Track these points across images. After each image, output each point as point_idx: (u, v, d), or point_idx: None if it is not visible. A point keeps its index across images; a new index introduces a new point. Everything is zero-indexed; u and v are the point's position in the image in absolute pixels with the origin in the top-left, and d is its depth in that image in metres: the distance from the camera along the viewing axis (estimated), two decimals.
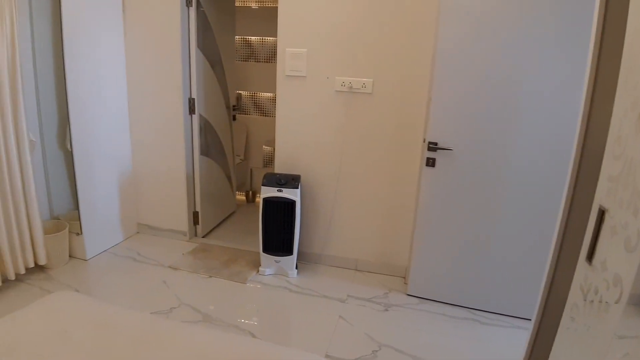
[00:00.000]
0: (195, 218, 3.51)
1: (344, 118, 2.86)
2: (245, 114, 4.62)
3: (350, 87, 2.78)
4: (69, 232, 3.05)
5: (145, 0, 3.09)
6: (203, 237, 3.57)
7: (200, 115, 3.36)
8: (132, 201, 3.50)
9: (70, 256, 3.10)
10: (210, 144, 3.59)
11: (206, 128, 3.48)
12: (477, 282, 2.63)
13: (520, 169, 2.42)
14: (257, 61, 4.50)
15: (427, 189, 2.59)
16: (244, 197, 4.67)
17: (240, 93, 4.57)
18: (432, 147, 2.50)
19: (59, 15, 2.66)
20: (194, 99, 3.26)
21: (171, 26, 3.07)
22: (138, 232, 3.60)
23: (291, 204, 2.78)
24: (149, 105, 3.29)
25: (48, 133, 3.00)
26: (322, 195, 3.04)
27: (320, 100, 2.88)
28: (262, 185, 2.80)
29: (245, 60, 4.50)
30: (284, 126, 3.01)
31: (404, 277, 3.01)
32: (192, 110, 3.28)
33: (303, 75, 2.86)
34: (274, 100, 4.54)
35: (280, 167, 3.07)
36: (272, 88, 4.45)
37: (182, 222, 3.46)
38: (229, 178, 3.99)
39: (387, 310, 2.64)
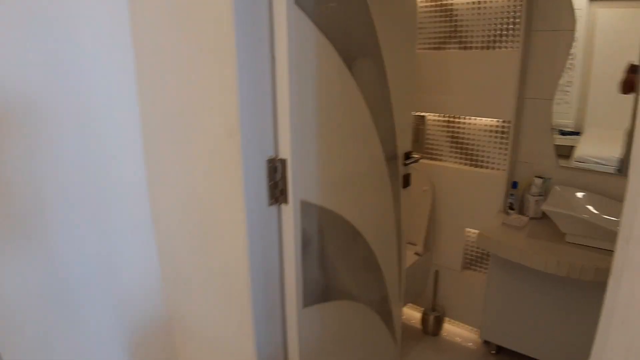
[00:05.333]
0: None
1: None
2: (431, 158, 2.30)
3: None
4: None
5: None
6: None
7: (306, 204, 1.20)
8: None
9: None
10: (339, 268, 1.40)
11: (324, 233, 1.30)
12: None
13: None
14: (468, 48, 2.09)
15: None
16: (416, 321, 2.39)
17: (424, 117, 2.28)
18: None
19: None
20: (284, 162, 1.12)
21: None
22: None
23: None
24: (172, 177, 1.27)
25: None
26: None
27: None
28: None
29: (438, 48, 2.16)
30: None
31: None
32: (279, 197, 1.15)
33: None
34: (499, 131, 2.10)
35: None
36: (497, 108, 2.04)
37: None
38: (387, 322, 1.75)
39: None
